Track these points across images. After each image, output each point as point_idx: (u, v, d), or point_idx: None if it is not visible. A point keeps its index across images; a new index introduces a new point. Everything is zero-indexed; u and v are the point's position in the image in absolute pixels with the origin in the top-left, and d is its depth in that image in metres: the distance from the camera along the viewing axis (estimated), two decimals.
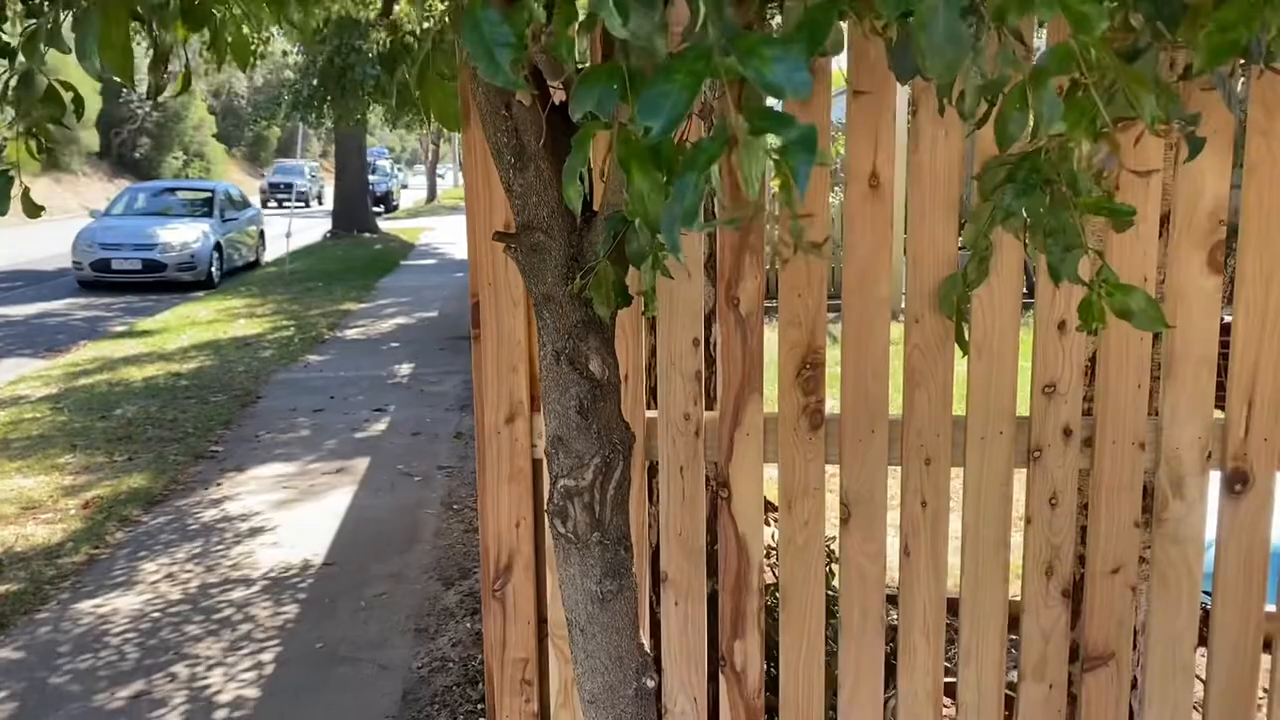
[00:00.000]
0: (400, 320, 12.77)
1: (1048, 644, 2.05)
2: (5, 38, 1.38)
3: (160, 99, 1.46)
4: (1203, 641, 2.10)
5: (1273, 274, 1.91)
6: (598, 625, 1.71)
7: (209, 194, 17.30)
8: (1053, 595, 2.03)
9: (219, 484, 6.32)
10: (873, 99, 1.88)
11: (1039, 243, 1.41)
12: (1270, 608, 2.05)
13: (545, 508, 1.67)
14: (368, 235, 22.83)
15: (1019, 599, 2.10)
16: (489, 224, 2.01)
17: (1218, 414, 1.98)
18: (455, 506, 5.87)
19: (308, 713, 3.69)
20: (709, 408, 2.08)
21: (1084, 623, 2.05)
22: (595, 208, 1.64)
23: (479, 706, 3.69)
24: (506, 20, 0.82)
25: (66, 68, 2.02)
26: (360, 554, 5.21)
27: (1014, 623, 2.12)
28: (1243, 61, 1.25)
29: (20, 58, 1.29)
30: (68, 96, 1.40)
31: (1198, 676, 2.09)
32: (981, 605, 2.05)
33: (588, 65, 0.89)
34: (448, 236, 24.39)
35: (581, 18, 0.87)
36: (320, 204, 34.65)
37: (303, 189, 33.15)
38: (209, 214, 16.54)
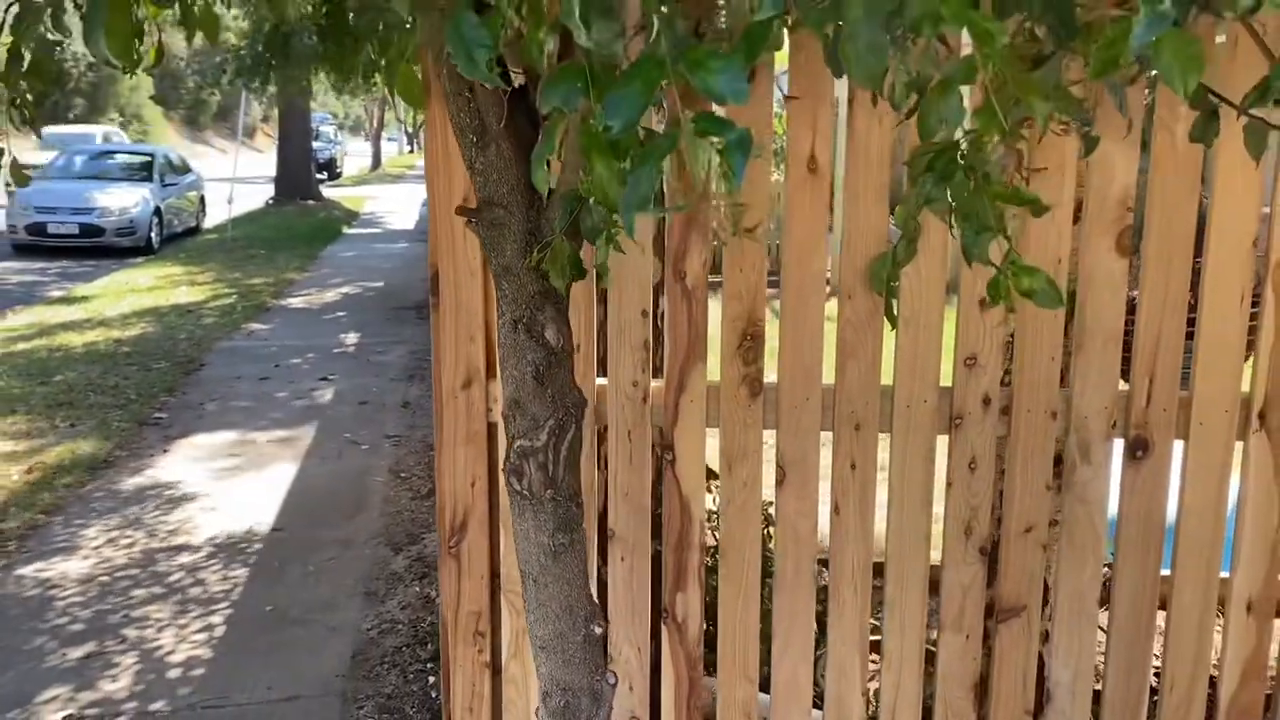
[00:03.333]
0: (345, 290, 12.72)
1: (965, 598, 2.22)
2: None
3: (134, 72, 1.54)
4: (1106, 600, 2.27)
5: (1173, 257, 2.07)
6: (550, 576, 1.84)
7: (149, 158, 17.02)
8: (971, 553, 2.20)
9: (165, 450, 6.33)
10: (811, 87, 2.01)
11: (961, 226, 1.55)
12: (1165, 572, 2.23)
13: (502, 467, 1.79)
14: (311, 203, 22.57)
15: (939, 563, 2.25)
16: (449, 198, 2.11)
17: (1122, 386, 2.15)
18: (403, 475, 5.95)
19: (259, 672, 3.78)
20: (655, 376, 2.21)
21: (999, 579, 2.22)
22: (551, 186, 1.75)
23: (428, 665, 3.80)
24: (484, 24, 0.93)
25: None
26: (308, 520, 5.28)
27: (934, 586, 2.29)
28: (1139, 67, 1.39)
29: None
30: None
31: (1101, 628, 2.27)
32: (906, 562, 2.21)
33: (554, 62, 1.00)
34: (392, 205, 24.22)
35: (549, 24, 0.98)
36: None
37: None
38: (148, 178, 16.26)
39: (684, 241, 2.11)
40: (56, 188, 15.23)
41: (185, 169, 18.00)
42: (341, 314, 11.11)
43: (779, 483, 2.20)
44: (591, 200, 1.61)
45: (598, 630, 1.99)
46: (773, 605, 2.26)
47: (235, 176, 16.36)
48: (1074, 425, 2.14)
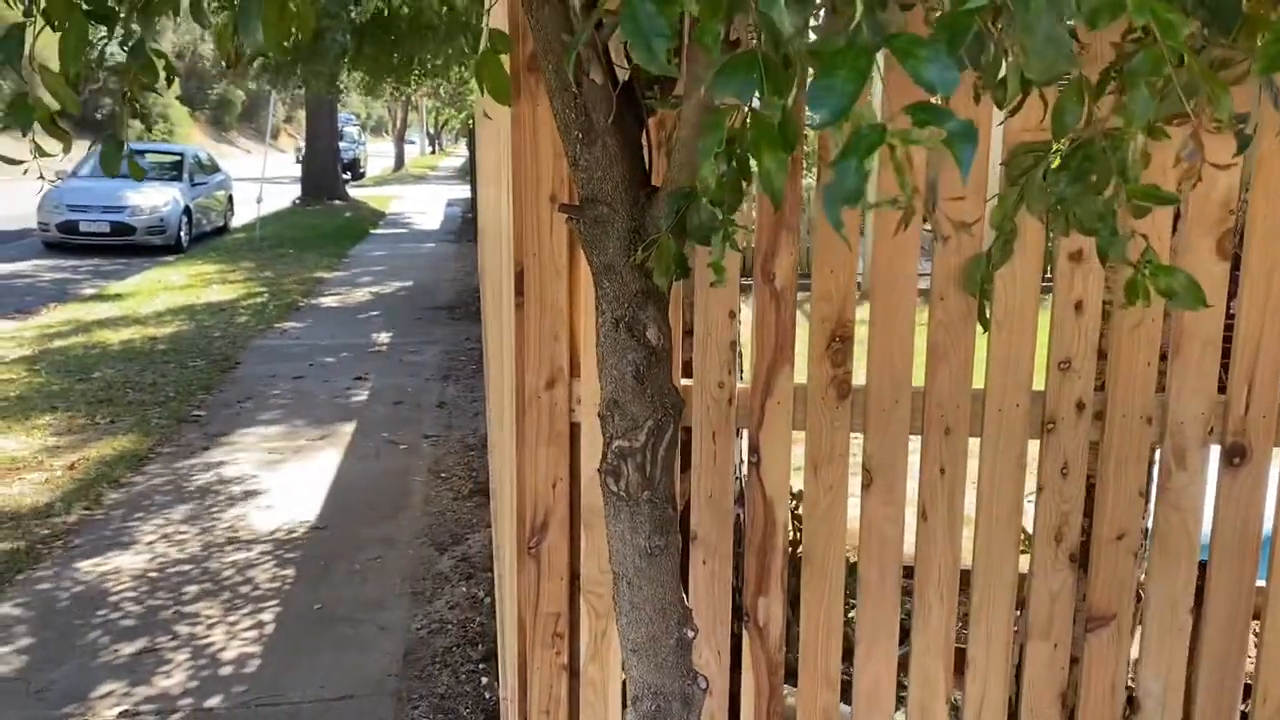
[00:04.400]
0: (375, 289, 12.75)
1: (1054, 605, 2.18)
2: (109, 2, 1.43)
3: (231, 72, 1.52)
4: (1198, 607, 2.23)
5: (1276, 262, 2.03)
6: (645, 579, 1.81)
7: (179, 157, 17.12)
8: (1061, 560, 2.16)
9: (206, 448, 6.35)
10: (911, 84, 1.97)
11: (1062, 227, 1.51)
12: (1260, 583, 2.19)
13: (598, 467, 1.77)
14: (337, 203, 22.67)
15: (1025, 569, 2.22)
16: (535, 195, 2.09)
17: (1219, 395, 2.11)
18: (443, 475, 5.95)
19: (311, 670, 3.77)
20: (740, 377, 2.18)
21: (1089, 587, 2.18)
22: (654, 183, 1.72)
23: (480, 666, 3.79)
24: (662, 12, 0.90)
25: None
26: (351, 519, 5.28)
27: (1021, 591, 2.25)
28: None
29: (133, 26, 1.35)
30: (159, 64, 1.46)
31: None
32: (993, 569, 2.17)
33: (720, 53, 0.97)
34: (417, 206, 24.29)
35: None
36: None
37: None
38: (178, 178, 16.35)
39: (774, 240, 2.09)
40: (88, 186, 15.33)
41: (214, 168, 18.10)
42: (373, 313, 11.13)
43: (865, 486, 2.17)
44: (704, 200, 1.59)
45: (690, 635, 1.96)
46: (856, 612, 2.23)
47: (263, 176, 16.41)
48: (1169, 431, 2.10)
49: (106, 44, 1.42)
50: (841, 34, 0.82)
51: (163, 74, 1.48)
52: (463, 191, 26.10)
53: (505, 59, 1.91)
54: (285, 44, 1.12)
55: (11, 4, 1.37)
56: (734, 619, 2.27)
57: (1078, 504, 2.14)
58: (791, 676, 2.28)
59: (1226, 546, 2.14)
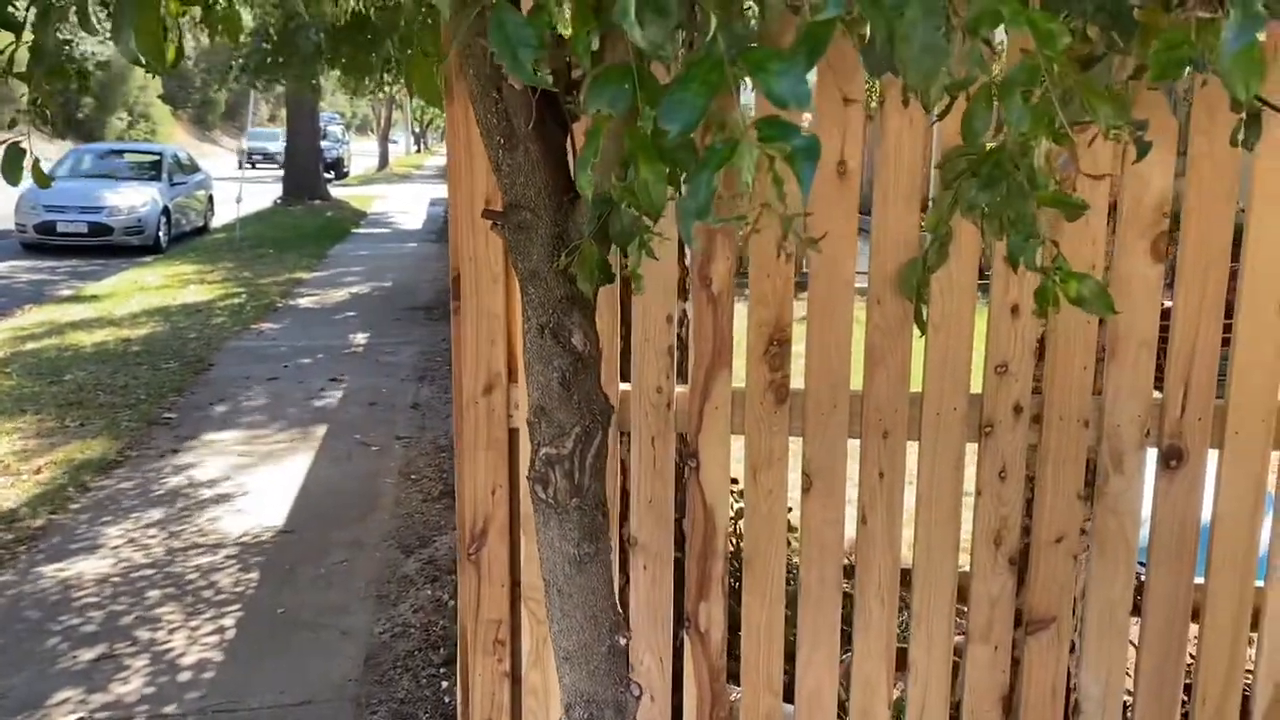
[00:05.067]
0: (354, 289, 12.71)
1: (994, 609, 2.18)
2: (14, 10, 1.41)
3: (160, 72, 1.51)
4: (1137, 610, 2.23)
5: (1210, 264, 2.04)
6: (575, 586, 1.80)
7: (157, 157, 17.02)
8: (1000, 563, 2.16)
9: (175, 450, 6.31)
10: (840, 88, 1.97)
11: (995, 231, 1.51)
12: (1199, 580, 2.19)
13: (527, 474, 1.76)
14: (318, 202, 22.57)
15: (966, 569, 2.22)
16: (471, 201, 2.07)
17: (1156, 394, 2.11)
18: (413, 476, 5.93)
19: (271, 676, 3.75)
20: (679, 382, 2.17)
21: (1028, 589, 2.18)
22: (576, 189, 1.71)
23: (441, 670, 3.77)
24: (529, 23, 0.89)
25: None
26: (319, 522, 5.26)
27: (962, 592, 2.25)
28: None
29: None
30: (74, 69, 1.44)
31: (1131, 642, 2.23)
32: (933, 572, 2.17)
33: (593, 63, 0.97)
34: (400, 205, 24.21)
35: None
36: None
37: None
38: (157, 178, 16.26)
39: (710, 244, 2.08)
40: (66, 186, 15.23)
41: (194, 168, 18.01)
42: (350, 314, 11.09)
43: (805, 490, 2.16)
44: (624, 205, 1.58)
45: (623, 641, 1.95)
46: (797, 616, 2.22)
47: (242, 175, 16.34)
48: (1106, 434, 2.11)
49: (15, 49, 1.40)
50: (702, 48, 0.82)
51: (76, 79, 1.46)
52: (446, 191, 26.01)
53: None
54: (176, 51, 1.11)
55: None
56: (675, 625, 2.27)
57: (1016, 507, 2.14)
58: (733, 680, 2.28)
59: (1164, 548, 2.14)
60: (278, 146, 32.84)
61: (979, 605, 2.18)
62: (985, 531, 2.15)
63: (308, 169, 23.08)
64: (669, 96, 0.77)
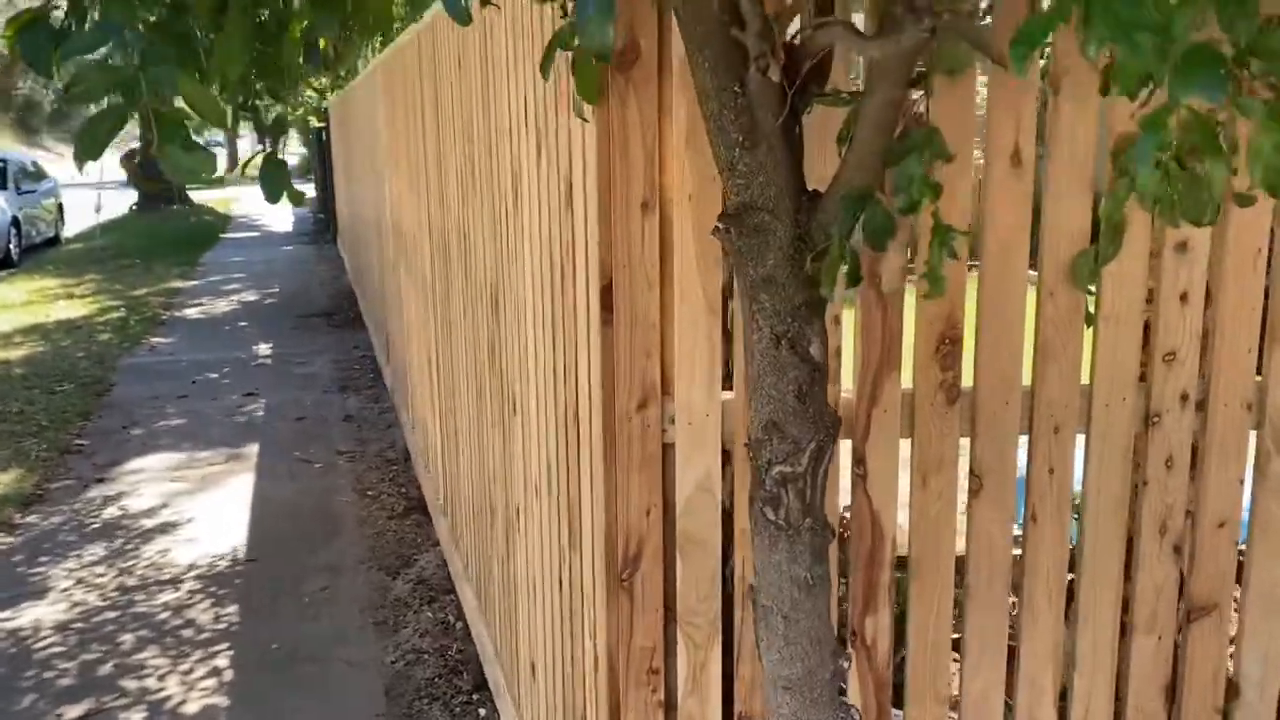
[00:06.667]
0: (241, 297, 12.11)
1: (1159, 599, 2.15)
2: None
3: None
4: None
5: None
6: (802, 611, 1.68)
7: (2, 164, 15.84)
8: (1165, 552, 2.13)
9: (100, 480, 5.84)
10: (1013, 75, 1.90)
11: (1171, 218, 1.45)
12: None
13: (751, 495, 1.63)
14: (177, 207, 21.46)
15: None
16: (625, 203, 1.92)
17: None
18: (370, 493, 5.63)
19: (290, 716, 3.48)
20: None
21: (1191, 577, 2.16)
22: (812, 188, 1.59)
23: (474, 697, 3.57)
24: None
25: None
26: (283, 547, 4.93)
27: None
28: None
29: None
30: None
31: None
32: (1099, 565, 2.13)
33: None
34: (261, 207, 23.23)
35: None
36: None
37: None
38: (3, 185, 15.14)
39: None
40: None
41: (41, 175, 16.85)
42: (244, 324, 10.55)
43: (974, 492, 2.09)
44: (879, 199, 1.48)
45: (845, 664, 1.85)
46: (964, 622, 2.15)
47: (101, 181, 15.39)
48: (1269, 417, 2.10)
49: None
50: None
51: None
52: (306, 189, 25.11)
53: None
54: None
55: None
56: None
57: (1182, 496, 2.12)
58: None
59: None
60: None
61: (1144, 596, 2.15)
62: (1151, 521, 2.12)
63: (162, 172, 21.90)
64: None
